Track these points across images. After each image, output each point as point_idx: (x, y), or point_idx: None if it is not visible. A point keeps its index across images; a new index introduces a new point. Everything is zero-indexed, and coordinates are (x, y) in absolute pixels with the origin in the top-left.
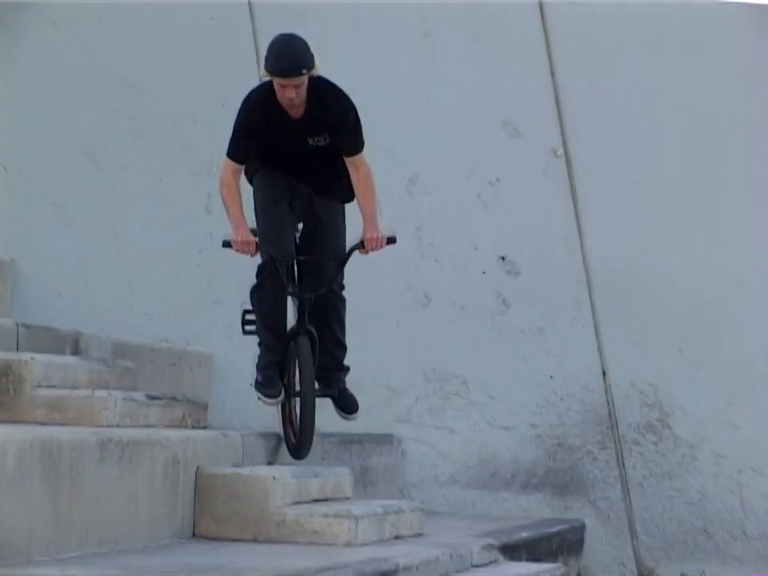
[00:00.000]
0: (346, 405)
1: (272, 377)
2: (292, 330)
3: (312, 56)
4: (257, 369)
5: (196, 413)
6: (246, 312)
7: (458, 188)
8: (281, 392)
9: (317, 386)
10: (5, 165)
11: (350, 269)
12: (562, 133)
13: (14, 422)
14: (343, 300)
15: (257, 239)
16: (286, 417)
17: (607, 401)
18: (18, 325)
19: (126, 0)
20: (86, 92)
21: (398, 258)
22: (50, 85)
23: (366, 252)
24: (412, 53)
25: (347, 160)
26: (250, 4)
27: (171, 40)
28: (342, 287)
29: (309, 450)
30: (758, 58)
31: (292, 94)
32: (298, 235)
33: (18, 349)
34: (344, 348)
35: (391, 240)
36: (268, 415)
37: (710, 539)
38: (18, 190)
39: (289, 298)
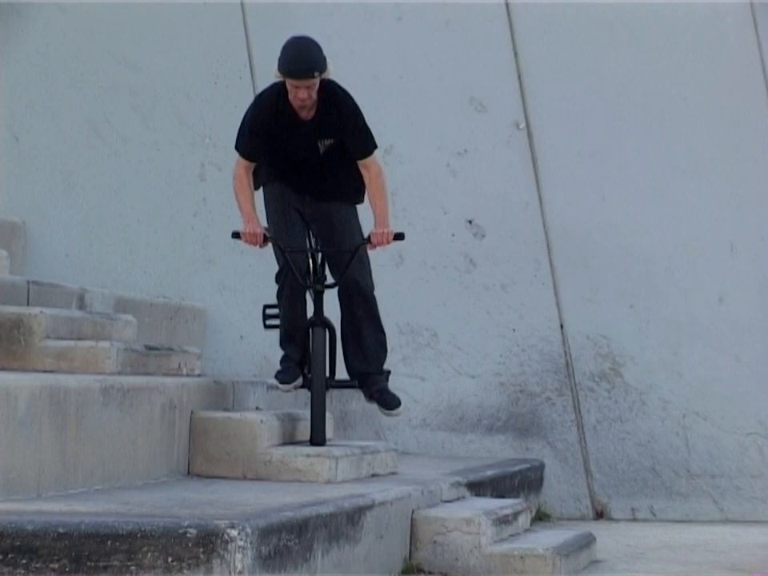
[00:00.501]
0: (388, 403)
1: (288, 368)
2: (309, 321)
3: (324, 59)
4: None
5: (190, 362)
6: (266, 307)
7: (428, 158)
8: (294, 379)
9: (336, 375)
10: (16, 135)
11: None
12: (524, 108)
13: (25, 370)
14: (372, 298)
15: (265, 231)
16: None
17: (564, 351)
18: (28, 282)
19: None
20: (90, 70)
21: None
22: (56, 64)
23: (374, 246)
24: (387, 35)
25: (359, 162)
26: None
27: (168, 23)
28: (371, 286)
29: (322, 436)
30: (699, 40)
31: (304, 95)
32: (313, 239)
33: (28, 304)
34: (384, 349)
35: (399, 236)
36: (256, 364)
37: (658, 477)
38: (29, 159)
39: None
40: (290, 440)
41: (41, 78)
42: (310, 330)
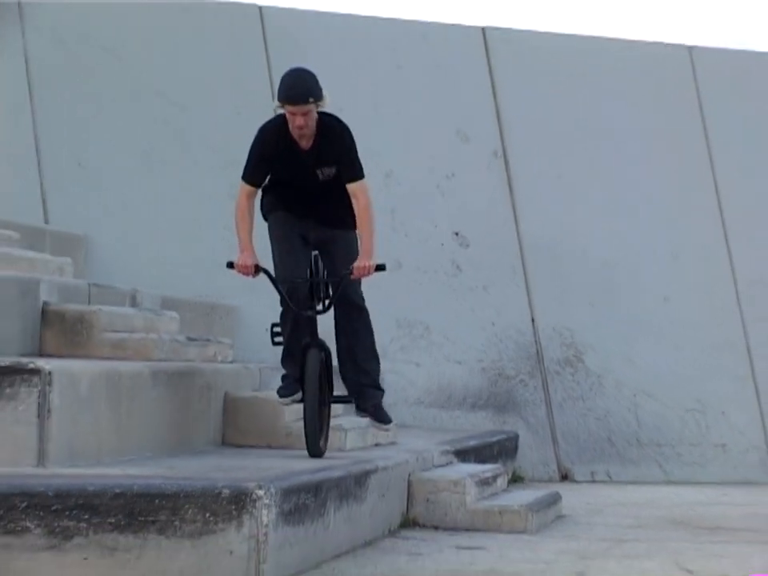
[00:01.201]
0: (381, 418)
1: (288, 384)
2: (304, 343)
3: (320, 89)
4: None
5: (224, 351)
6: (273, 326)
7: (422, 180)
8: (293, 394)
9: (335, 392)
10: (80, 162)
11: None
12: (501, 139)
13: (86, 357)
14: (363, 311)
15: (257, 263)
16: None
17: (535, 341)
18: (89, 284)
19: (167, 41)
20: (141, 108)
21: (377, 233)
22: (114, 103)
23: (356, 277)
24: (388, 77)
25: (349, 188)
26: (264, 39)
27: (201, 67)
28: (362, 299)
29: (316, 449)
30: (646, 80)
31: (301, 122)
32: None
33: (89, 302)
34: (377, 360)
35: (380, 267)
36: (278, 353)
37: (613, 446)
38: (89, 182)
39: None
40: None
41: (101, 114)
42: (306, 353)
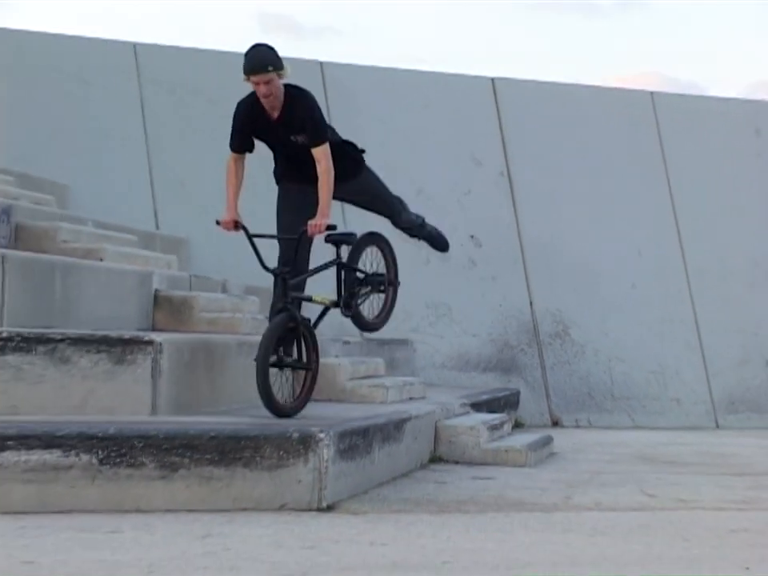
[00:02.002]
0: (438, 244)
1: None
2: (277, 306)
3: (279, 59)
4: None
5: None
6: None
7: (445, 196)
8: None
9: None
10: (182, 182)
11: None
12: (506, 162)
13: (188, 332)
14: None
15: (237, 219)
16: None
17: (532, 319)
18: (190, 276)
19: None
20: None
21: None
22: (208, 141)
23: (310, 235)
24: (419, 116)
25: (313, 152)
26: (324, 88)
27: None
28: (389, 193)
29: (272, 407)
30: (619, 122)
31: (264, 90)
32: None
33: (190, 289)
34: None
35: (331, 227)
36: (335, 327)
37: (592, 399)
38: (189, 196)
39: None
40: (357, 376)
41: (199, 148)
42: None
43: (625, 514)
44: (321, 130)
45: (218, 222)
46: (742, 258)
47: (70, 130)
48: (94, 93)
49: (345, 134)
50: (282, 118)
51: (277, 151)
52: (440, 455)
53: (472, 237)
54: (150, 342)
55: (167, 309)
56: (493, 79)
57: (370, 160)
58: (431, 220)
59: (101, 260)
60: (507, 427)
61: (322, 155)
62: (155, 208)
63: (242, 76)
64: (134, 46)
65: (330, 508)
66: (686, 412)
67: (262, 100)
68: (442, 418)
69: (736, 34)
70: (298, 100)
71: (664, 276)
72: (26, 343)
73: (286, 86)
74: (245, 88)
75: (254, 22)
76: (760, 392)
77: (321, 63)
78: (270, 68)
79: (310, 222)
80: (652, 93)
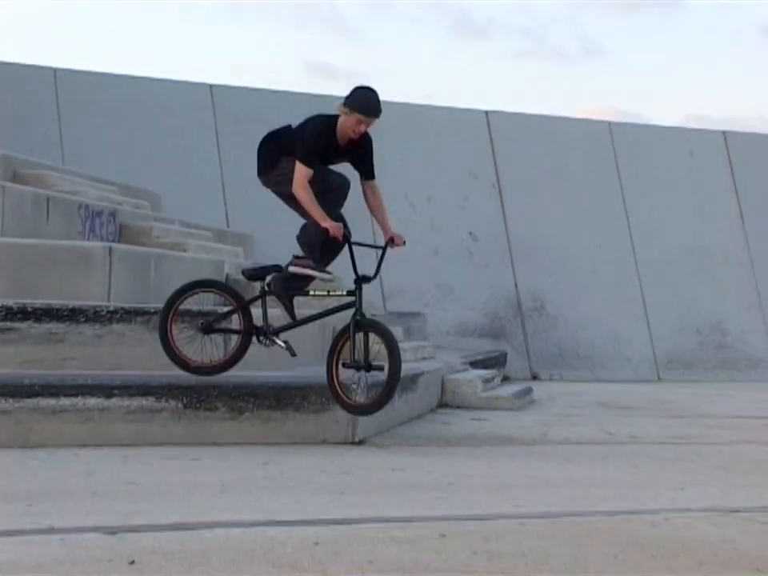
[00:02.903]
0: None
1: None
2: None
3: None
4: None
5: (332, 302)
6: None
7: (449, 202)
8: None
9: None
10: (246, 189)
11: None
12: (497, 177)
13: (253, 307)
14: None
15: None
16: None
17: (517, 297)
18: (253, 263)
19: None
20: None
21: (424, 234)
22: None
23: (395, 245)
24: (430, 139)
25: (368, 183)
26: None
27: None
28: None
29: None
30: (584, 144)
31: (363, 129)
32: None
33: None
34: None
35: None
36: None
37: (563, 359)
38: (254, 201)
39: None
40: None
41: (252, 162)
42: None
43: (588, 447)
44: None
45: (327, 230)
46: (679, 250)
47: (161, 150)
48: (179, 123)
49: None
50: (347, 146)
51: (329, 163)
52: (446, 402)
53: (470, 233)
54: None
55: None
56: (487, 112)
57: (392, 176)
58: (439, 221)
59: (185, 251)
60: (497, 380)
61: (376, 184)
62: (226, 210)
63: (344, 108)
64: (210, 87)
65: (360, 442)
66: (634, 369)
67: (349, 133)
68: (447, 373)
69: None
70: (365, 137)
71: (618, 264)
72: (127, 315)
73: None
74: (291, 115)
75: (300, 66)
76: (692, 353)
77: None
78: (380, 114)
79: (395, 233)
80: (609, 123)
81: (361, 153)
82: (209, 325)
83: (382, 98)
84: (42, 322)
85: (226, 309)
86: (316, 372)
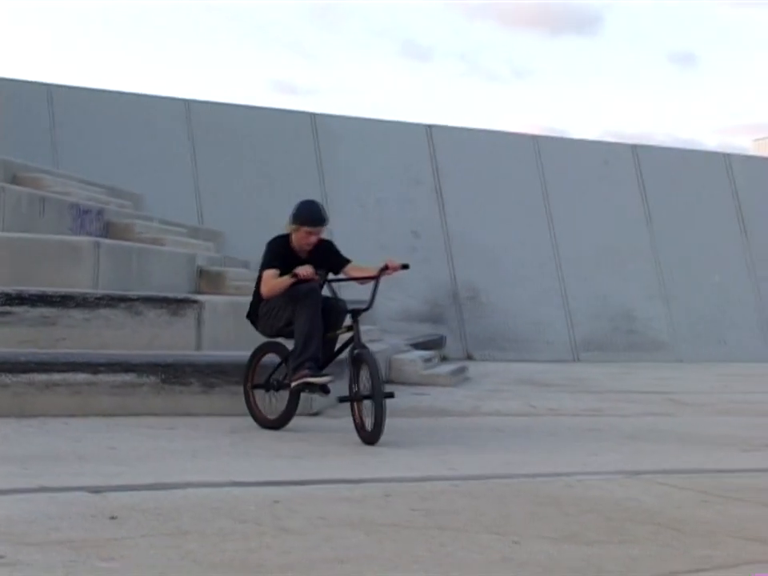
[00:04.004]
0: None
1: None
2: None
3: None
4: None
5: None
6: None
7: (397, 204)
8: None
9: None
10: (216, 194)
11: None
12: (438, 182)
13: (221, 295)
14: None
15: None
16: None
17: (454, 287)
18: (223, 257)
19: (263, 134)
20: (250, 167)
21: (372, 232)
22: (235, 165)
23: (391, 271)
24: (381, 151)
25: (350, 266)
26: (316, 136)
27: (280, 150)
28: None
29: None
30: (516, 155)
31: (313, 240)
32: None
33: (223, 266)
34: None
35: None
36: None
37: (494, 342)
38: (224, 204)
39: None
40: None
41: (229, 170)
42: None
43: (515, 418)
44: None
45: (296, 275)
46: (593, 248)
47: (143, 157)
48: (158, 132)
49: (328, 163)
50: (309, 256)
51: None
52: (391, 379)
53: (413, 232)
54: (196, 301)
55: (207, 279)
56: (429, 125)
57: (345, 180)
58: (386, 221)
59: (163, 245)
60: (436, 360)
61: (351, 261)
62: (199, 210)
63: (290, 225)
64: (186, 102)
65: (317, 414)
66: (556, 350)
67: (303, 245)
68: (393, 354)
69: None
70: (323, 242)
71: (542, 260)
72: (112, 301)
73: None
74: (257, 127)
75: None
76: (605, 338)
77: (312, 114)
78: (326, 223)
79: (389, 262)
80: (536, 136)
81: (323, 256)
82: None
83: (337, 112)
84: (36, 307)
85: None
86: None
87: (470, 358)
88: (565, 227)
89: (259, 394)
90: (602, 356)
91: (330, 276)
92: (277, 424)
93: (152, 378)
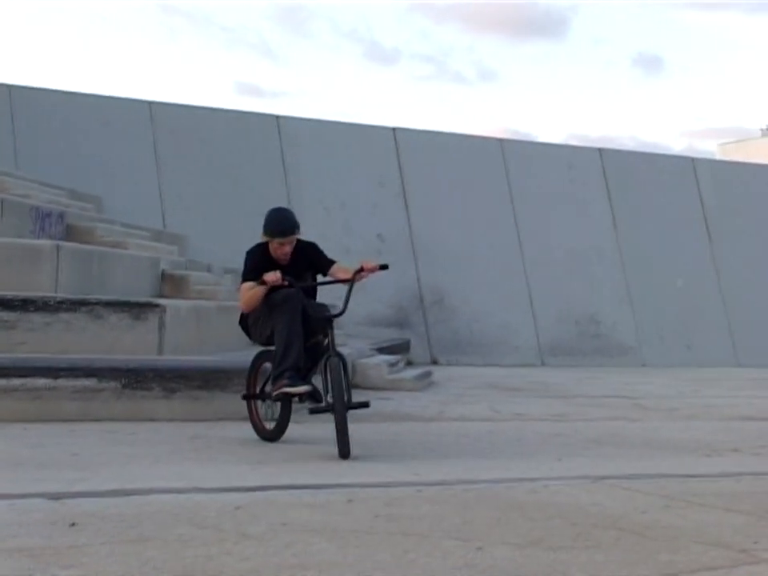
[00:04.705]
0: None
1: None
2: None
3: (296, 219)
4: None
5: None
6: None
7: (361, 207)
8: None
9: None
10: (180, 195)
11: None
12: (402, 186)
13: (184, 299)
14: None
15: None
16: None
17: (419, 291)
18: (186, 260)
19: (224, 137)
20: (213, 171)
21: (337, 235)
22: (200, 168)
23: (367, 272)
24: (346, 154)
25: (335, 267)
26: (279, 137)
27: (242, 152)
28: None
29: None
30: (481, 157)
31: (287, 249)
32: None
33: (186, 270)
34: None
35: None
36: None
37: (459, 347)
38: (186, 205)
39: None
40: None
41: (193, 174)
42: None
43: (480, 423)
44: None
45: (264, 282)
46: (561, 251)
47: (105, 159)
48: (121, 134)
49: (293, 166)
50: (290, 263)
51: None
52: (356, 384)
53: (378, 235)
54: (158, 305)
55: (170, 283)
56: (394, 128)
57: (309, 184)
58: (351, 224)
59: (125, 249)
60: (401, 364)
61: (337, 262)
62: (163, 213)
63: (263, 236)
64: (149, 103)
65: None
66: (521, 355)
67: (279, 255)
68: (357, 358)
69: (558, 99)
70: (304, 247)
71: (508, 263)
72: (73, 305)
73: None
74: (221, 129)
75: (230, 85)
76: (571, 342)
77: (277, 116)
78: (297, 231)
79: (364, 263)
80: (501, 139)
81: (307, 260)
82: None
83: (303, 115)
84: None
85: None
86: (239, 357)
87: (435, 362)
88: (531, 231)
89: (261, 405)
90: (568, 360)
91: (319, 278)
92: (271, 436)
93: (113, 383)
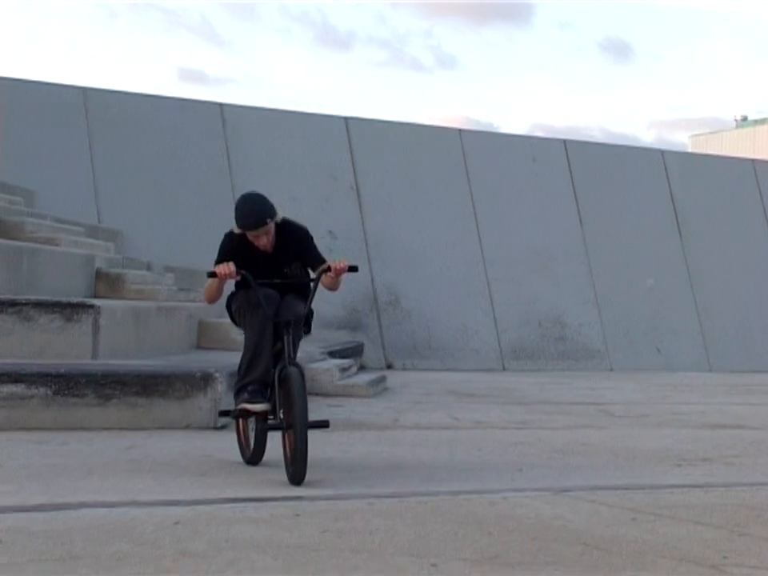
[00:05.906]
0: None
1: None
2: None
3: (272, 205)
4: None
5: (200, 296)
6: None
7: (312, 201)
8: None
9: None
10: (118, 189)
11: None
12: (355, 179)
13: (121, 299)
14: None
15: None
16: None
17: (373, 292)
18: (123, 258)
19: (165, 126)
20: (154, 163)
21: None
22: (138, 160)
23: (338, 272)
24: (295, 146)
25: (322, 269)
26: (224, 126)
27: (184, 143)
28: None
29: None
30: (438, 150)
31: (264, 241)
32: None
33: (122, 268)
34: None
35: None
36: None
37: (416, 350)
38: (125, 202)
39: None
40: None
41: (131, 165)
42: None
43: (437, 432)
44: (319, 253)
45: (214, 274)
46: (524, 250)
47: (36, 150)
48: (52, 124)
49: (239, 158)
50: (275, 250)
51: (257, 273)
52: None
53: (330, 232)
54: (92, 306)
55: (105, 282)
56: (346, 118)
57: (257, 176)
58: (301, 220)
59: (57, 245)
60: (354, 369)
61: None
62: (98, 207)
63: (236, 229)
64: (83, 90)
65: (222, 428)
66: (482, 359)
67: (258, 246)
68: (306, 363)
69: (521, 88)
70: (291, 231)
71: (467, 262)
72: (0, 306)
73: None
74: (161, 118)
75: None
76: (533, 345)
77: (221, 104)
78: (269, 220)
79: (335, 264)
80: (460, 130)
81: (292, 250)
82: None
83: (250, 103)
84: None
85: None
86: (181, 361)
87: (390, 367)
88: (492, 227)
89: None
90: (530, 364)
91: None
92: (252, 459)
93: (42, 390)
